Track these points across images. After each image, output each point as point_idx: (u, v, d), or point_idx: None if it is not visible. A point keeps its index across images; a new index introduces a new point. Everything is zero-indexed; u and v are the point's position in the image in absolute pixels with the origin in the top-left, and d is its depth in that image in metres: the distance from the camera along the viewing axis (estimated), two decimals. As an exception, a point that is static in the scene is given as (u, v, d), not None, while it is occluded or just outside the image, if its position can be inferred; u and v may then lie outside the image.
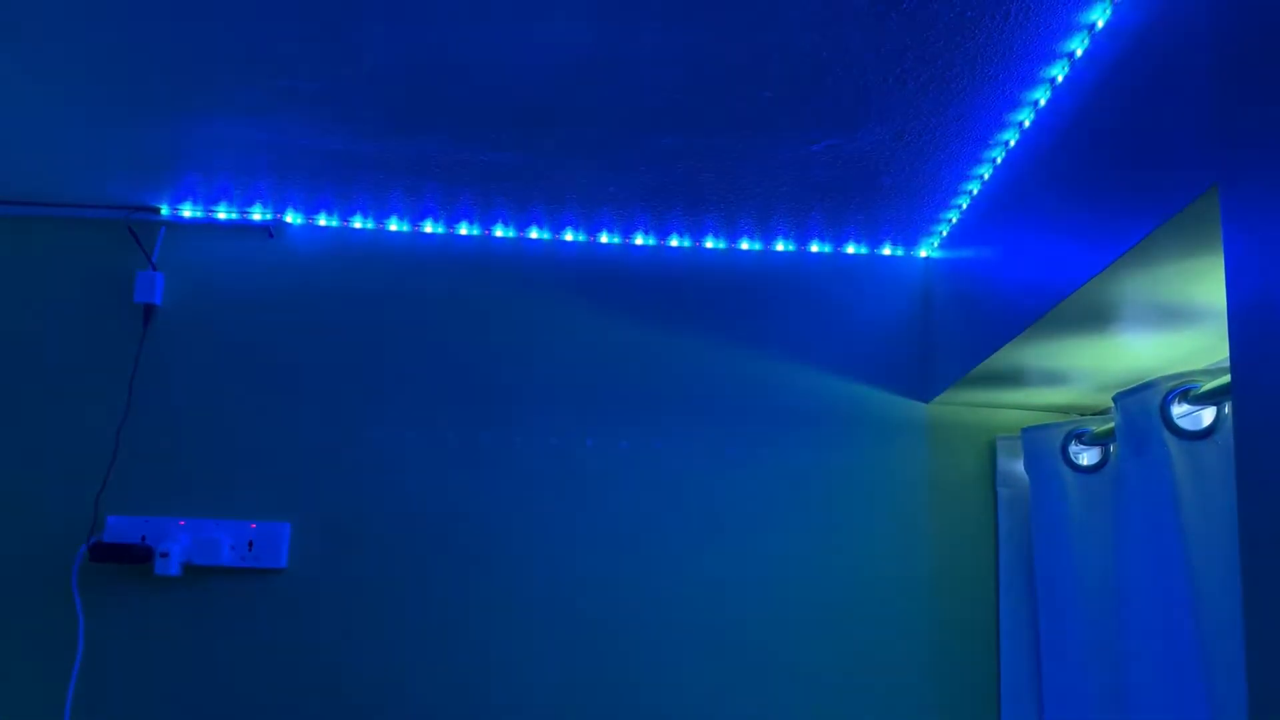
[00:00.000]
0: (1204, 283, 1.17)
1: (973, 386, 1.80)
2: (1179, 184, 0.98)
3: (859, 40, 1.27)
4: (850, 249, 2.02)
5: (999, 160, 1.58)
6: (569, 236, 2.01)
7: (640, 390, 1.97)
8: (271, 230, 1.99)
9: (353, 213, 1.96)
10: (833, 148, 1.57)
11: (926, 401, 1.97)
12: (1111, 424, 1.54)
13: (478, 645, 1.86)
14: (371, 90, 1.46)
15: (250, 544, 1.87)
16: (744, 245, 2.02)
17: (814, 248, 2.02)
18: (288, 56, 1.37)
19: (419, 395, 1.95)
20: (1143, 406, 1.38)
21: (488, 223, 1.97)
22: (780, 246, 2.02)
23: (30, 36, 1.35)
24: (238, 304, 1.97)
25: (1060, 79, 1.32)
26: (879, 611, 1.89)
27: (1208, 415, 1.32)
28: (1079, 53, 1.26)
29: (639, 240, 2.02)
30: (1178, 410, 1.33)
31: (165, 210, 1.97)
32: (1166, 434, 1.33)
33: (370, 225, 2.00)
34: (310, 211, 1.96)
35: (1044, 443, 1.73)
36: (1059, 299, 1.28)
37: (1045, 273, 1.33)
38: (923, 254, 2.03)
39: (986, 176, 1.64)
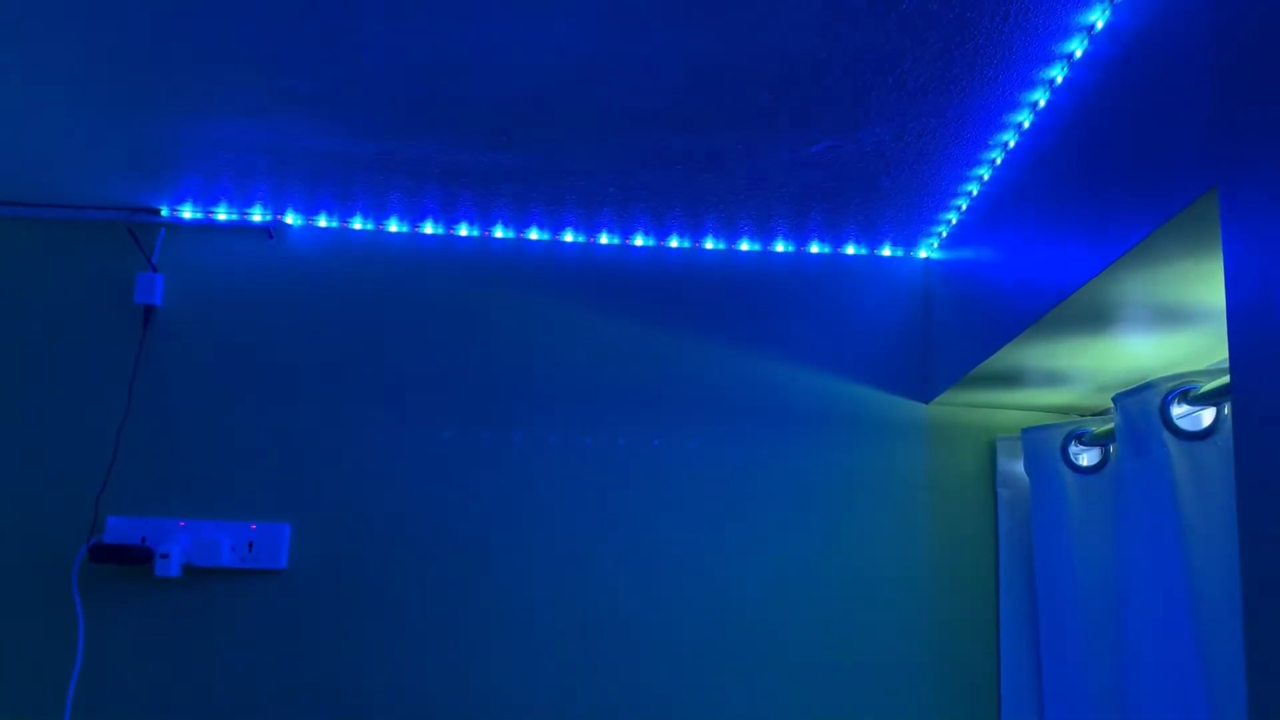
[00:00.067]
0: (1203, 283, 1.17)
1: (973, 387, 1.80)
2: (1178, 185, 0.98)
3: (858, 41, 1.27)
4: (850, 250, 2.02)
5: (998, 161, 1.58)
6: (568, 237, 2.01)
7: (640, 391, 1.97)
8: (271, 231, 1.99)
9: (352, 214, 1.96)
10: (832, 149, 1.57)
11: (926, 402, 1.97)
12: (1111, 425, 1.54)
13: (478, 645, 1.86)
14: (371, 91, 1.46)
15: (250, 545, 1.87)
16: (743, 246, 2.02)
17: (813, 248, 2.02)
18: (287, 57, 1.37)
19: (419, 396, 1.95)
20: (1142, 407, 1.38)
21: (487, 223, 1.97)
22: (780, 247, 2.02)
23: (30, 37, 1.35)
24: (238, 305, 1.97)
25: (1059, 80, 1.32)
26: (879, 612, 1.89)
27: (1207, 416, 1.33)
28: (1078, 54, 1.26)
29: (638, 241, 2.02)
30: (1177, 411, 1.33)
31: (165, 211, 1.97)
32: (1166, 434, 1.33)
33: (370, 226, 2.00)
34: (310, 212, 1.96)
35: (1044, 443, 1.74)
36: (1059, 300, 1.28)
37: (1045, 273, 1.34)
38: (922, 255, 2.03)
39: (986, 177, 1.64)
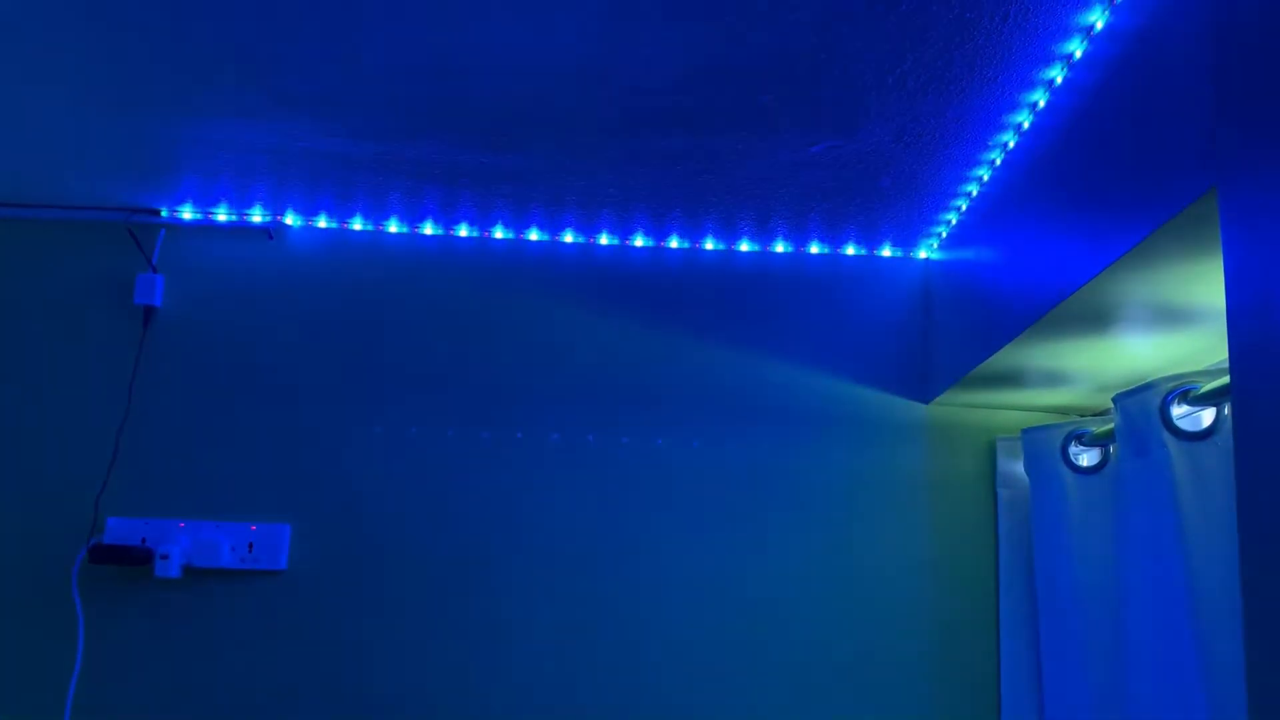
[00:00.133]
0: (1203, 284, 1.17)
1: (973, 388, 1.80)
2: (1178, 186, 0.98)
3: (858, 42, 1.27)
4: (850, 250, 2.02)
5: (998, 162, 1.58)
6: (568, 238, 2.01)
7: (640, 392, 1.97)
8: (271, 232, 1.99)
9: (352, 214, 1.96)
10: (832, 149, 1.57)
11: (926, 402, 1.97)
12: (1111, 425, 1.54)
13: (478, 645, 1.86)
14: (371, 92, 1.46)
15: (250, 546, 1.87)
16: (743, 247, 2.02)
17: (813, 249, 2.02)
18: (287, 58, 1.37)
19: (419, 396, 1.95)
20: (1142, 407, 1.38)
21: (487, 224, 1.97)
22: (779, 248, 2.02)
23: (30, 37, 1.35)
24: (237, 306, 1.97)
25: (1059, 81, 1.32)
26: (879, 612, 1.89)
27: (1207, 416, 1.33)
28: (1078, 54, 1.26)
29: (638, 242, 2.02)
30: (1177, 411, 1.33)
31: (165, 212, 1.97)
32: (1166, 435, 1.33)
33: (369, 227, 2.00)
34: (309, 213, 1.96)
35: (1044, 444, 1.74)
36: (1058, 300, 1.28)
37: (1045, 274, 1.34)
38: (922, 255, 2.03)
39: (986, 178, 1.64)
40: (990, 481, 1.94)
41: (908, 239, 1.95)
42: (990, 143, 1.53)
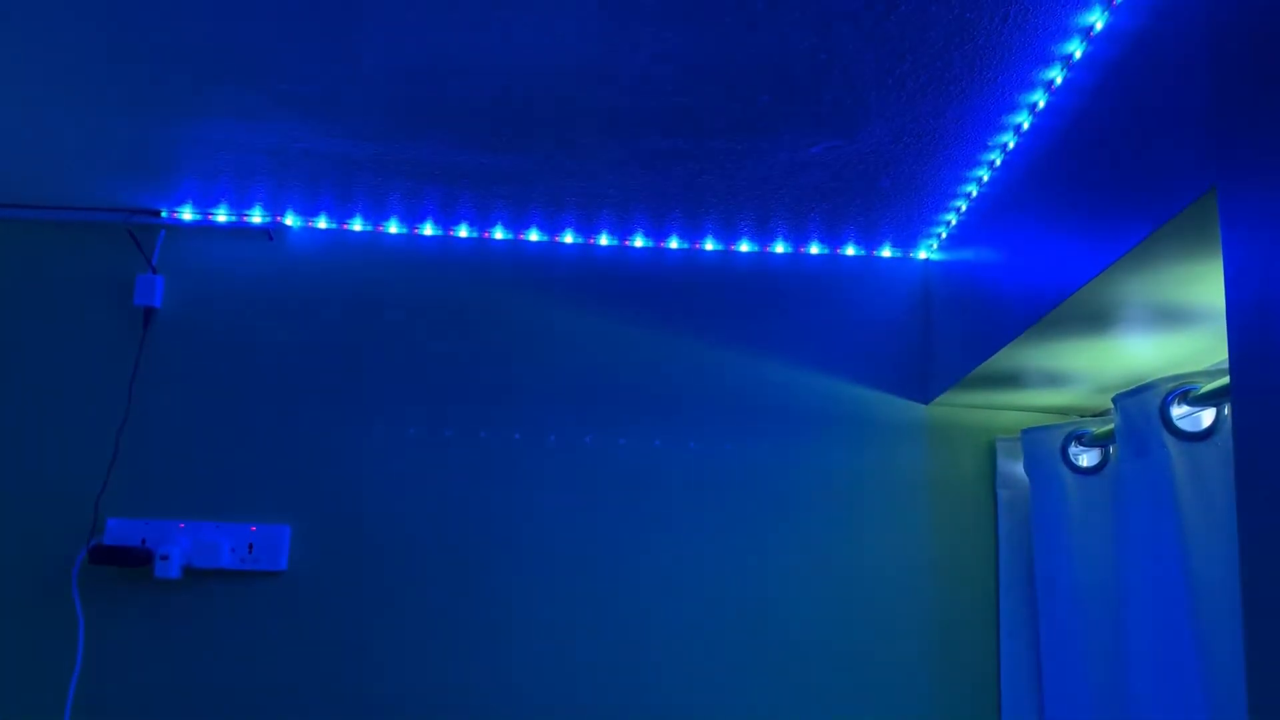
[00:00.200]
0: (1203, 284, 1.17)
1: (972, 388, 1.80)
2: (1178, 186, 0.98)
3: (857, 42, 1.27)
4: (849, 251, 2.02)
5: (998, 162, 1.58)
6: (568, 239, 2.01)
7: (640, 393, 1.97)
8: (271, 233, 1.99)
9: (351, 215, 1.96)
10: (831, 150, 1.57)
11: (926, 403, 1.97)
12: (1111, 425, 1.55)
13: (478, 646, 1.86)
14: (370, 93, 1.46)
15: (250, 546, 1.87)
16: (743, 247, 2.02)
17: (813, 250, 2.02)
18: (287, 59, 1.37)
19: (418, 397, 1.95)
20: (1142, 408, 1.38)
21: (486, 225, 1.97)
22: (779, 249, 2.02)
23: (30, 38, 1.35)
24: (237, 307, 1.97)
25: (1059, 81, 1.33)
26: (879, 612, 1.89)
27: (1207, 417, 1.33)
28: (1077, 55, 1.26)
29: (638, 242, 2.02)
30: (1177, 412, 1.33)
31: (165, 213, 1.97)
32: (1166, 435, 1.33)
33: (369, 228, 2.00)
34: (309, 214, 1.96)
35: (1044, 444, 1.74)
36: (1058, 301, 1.28)
37: (1044, 275, 1.34)
38: (922, 256, 2.03)
39: (985, 178, 1.64)
40: (990, 482, 1.94)
41: (907, 239, 1.95)
42: (990, 143, 1.53)
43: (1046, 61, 1.30)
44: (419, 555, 1.89)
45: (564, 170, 1.69)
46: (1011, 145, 1.51)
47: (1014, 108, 1.42)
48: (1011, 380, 1.72)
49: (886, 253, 2.02)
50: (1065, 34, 1.23)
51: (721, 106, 1.45)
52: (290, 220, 1.99)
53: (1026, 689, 1.82)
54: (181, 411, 1.93)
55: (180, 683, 1.84)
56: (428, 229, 2.00)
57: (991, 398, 1.88)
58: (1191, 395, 1.31)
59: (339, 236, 2.00)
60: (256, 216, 1.97)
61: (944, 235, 1.90)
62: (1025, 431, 1.80)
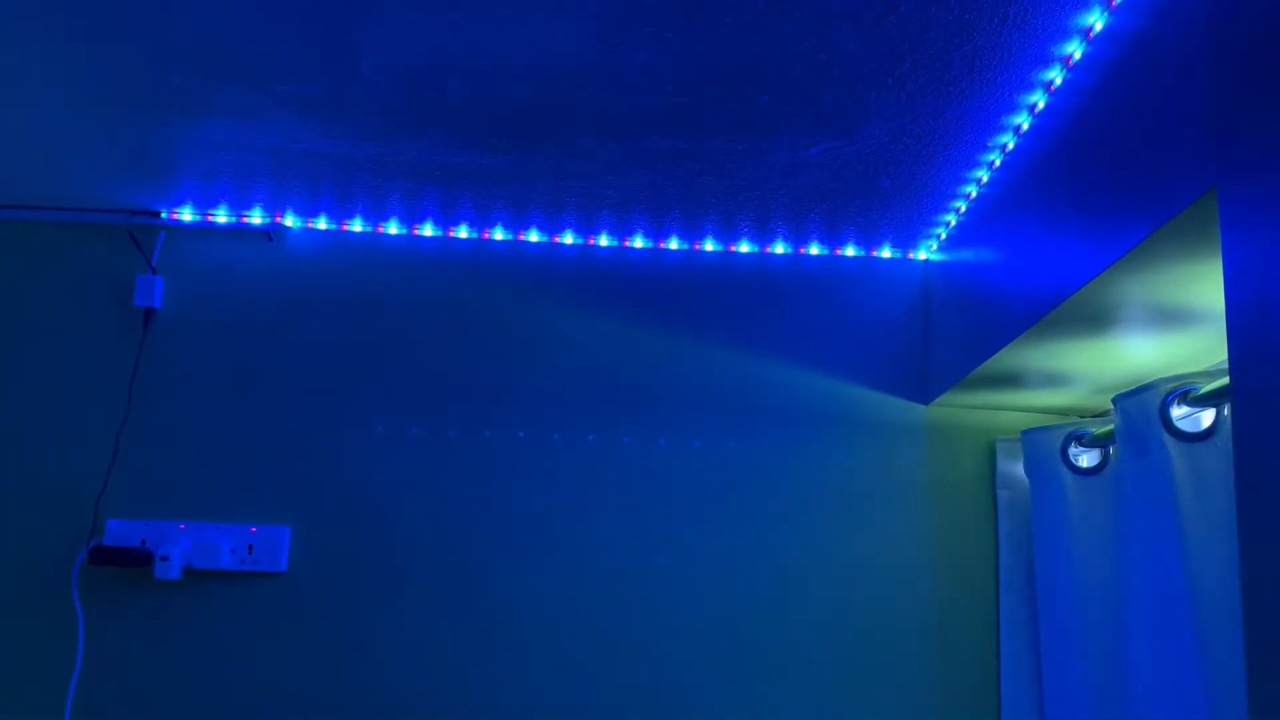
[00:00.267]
0: (1203, 285, 1.17)
1: (972, 389, 1.80)
2: (1177, 186, 0.98)
3: (857, 43, 1.27)
4: (849, 251, 2.02)
5: (997, 163, 1.58)
6: (567, 239, 2.01)
7: (640, 393, 1.97)
8: (270, 234, 1.99)
9: (351, 216, 1.96)
10: (831, 150, 1.57)
11: (926, 404, 1.97)
12: (1111, 426, 1.55)
13: (479, 646, 1.86)
14: (370, 93, 1.46)
15: (250, 547, 1.87)
16: (742, 248, 2.02)
17: (813, 250, 2.02)
18: (287, 60, 1.38)
19: (418, 398, 1.95)
20: (1142, 408, 1.38)
21: (486, 225, 1.97)
22: (779, 249, 2.02)
23: (30, 38, 1.35)
24: (237, 307, 1.97)
25: (1058, 82, 1.33)
26: (879, 612, 1.89)
27: (1207, 417, 1.33)
28: (1077, 55, 1.26)
29: (638, 243, 2.02)
30: (1177, 412, 1.33)
31: (164, 214, 1.97)
32: (1166, 436, 1.33)
33: (369, 228, 2.00)
34: (309, 215, 1.96)
35: (1044, 445, 1.74)
36: (1058, 301, 1.28)
37: (1044, 275, 1.34)
38: (921, 256, 2.03)
39: (985, 179, 1.64)
40: (990, 483, 1.94)
41: (907, 240, 1.95)
42: (989, 144, 1.53)
43: (1046, 62, 1.30)
44: (419, 556, 1.89)
45: (564, 171, 1.69)
46: (1011, 146, 1.51)
47: (1013, 108, 1.42)
48: (1011, 381, 1.72)
49: (886, 253, 2.02)
50: (1065, 34, 1.23)
51: (721, 106, 1.45)
52: (290, 221, 1.99)
53: (1026, 689, 1.82)
54: (181, 412, 1.93)
55: (180, 683, 1.84)
56: (427, 229, 2.00)
57: (991, 398, 1.88)
58: (1191, 396, 1.31)
59: (339, 237, 2.00)
60: (256, 217, 1.97)
61: (944, 236, 1.90)
62: (1025, 432, 1.80)
